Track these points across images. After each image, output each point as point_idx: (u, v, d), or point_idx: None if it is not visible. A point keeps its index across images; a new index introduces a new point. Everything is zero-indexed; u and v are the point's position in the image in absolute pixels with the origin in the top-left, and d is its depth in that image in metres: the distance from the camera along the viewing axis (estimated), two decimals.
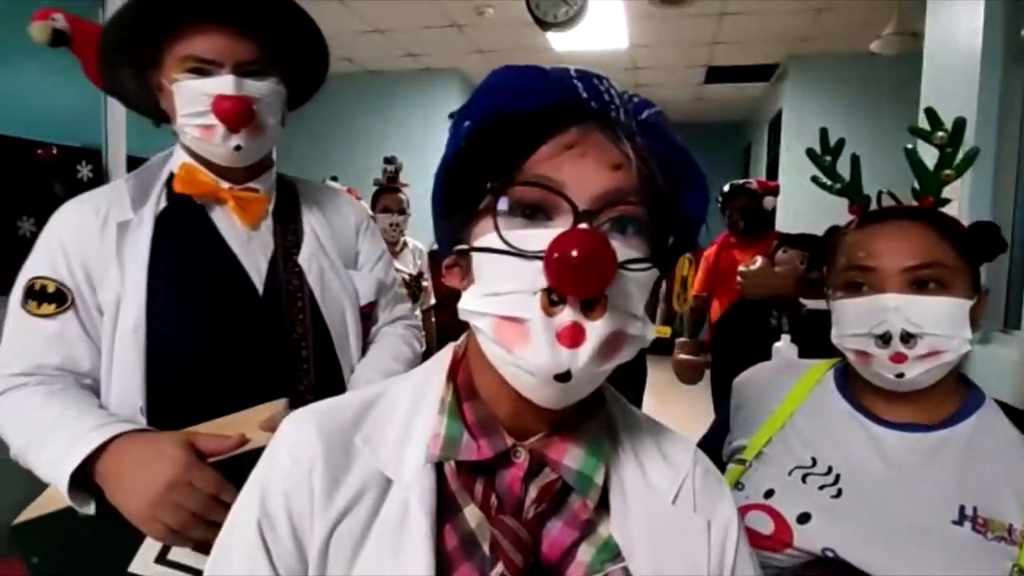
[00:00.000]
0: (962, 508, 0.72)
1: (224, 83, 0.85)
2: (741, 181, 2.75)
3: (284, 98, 0.93)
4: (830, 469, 0.78)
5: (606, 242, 0.43)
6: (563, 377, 0.44)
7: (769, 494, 0.78)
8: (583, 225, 0.44)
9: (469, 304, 0.48)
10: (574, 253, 0.42)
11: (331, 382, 0.95)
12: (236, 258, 0.91)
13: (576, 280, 0.42)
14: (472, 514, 0.50)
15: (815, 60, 4.71)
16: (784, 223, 3.39)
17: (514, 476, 0.50)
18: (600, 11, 3.64)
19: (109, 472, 0.73)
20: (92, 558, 0.76)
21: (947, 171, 0.86)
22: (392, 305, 1.10)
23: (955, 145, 0.87)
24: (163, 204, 0.91)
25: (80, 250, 0.85)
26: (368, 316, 1.04)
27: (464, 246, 0.50)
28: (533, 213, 0.47)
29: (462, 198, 0.50)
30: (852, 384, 0.85)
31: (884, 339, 0.75)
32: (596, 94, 0.48)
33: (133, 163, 2.06)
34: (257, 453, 0.74)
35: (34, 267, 0.86)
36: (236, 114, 0.85)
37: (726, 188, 2.72)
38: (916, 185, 0.88)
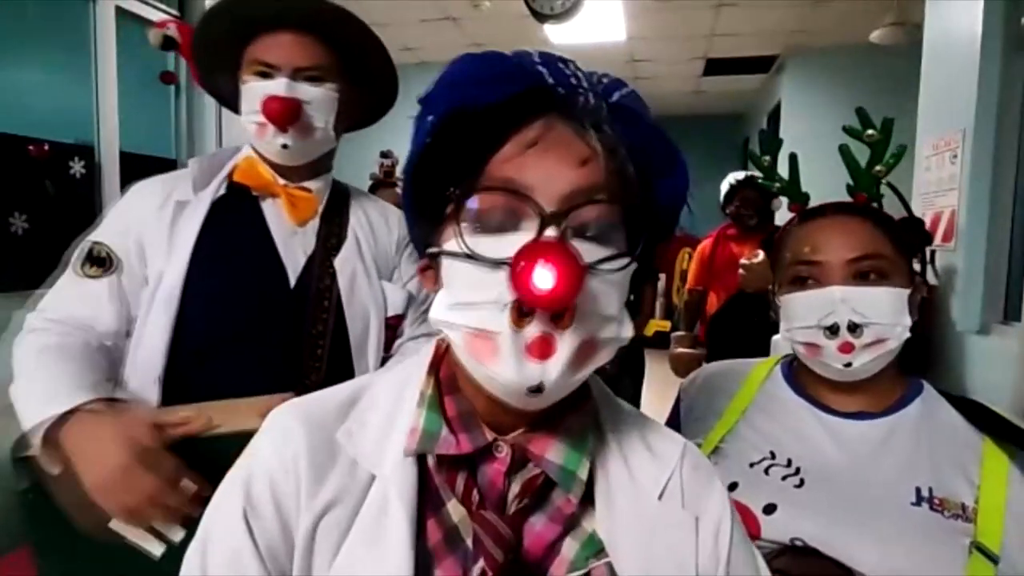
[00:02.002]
0: (918, 489, 0.75)
1: (278, 85, 0.92)
2: (752, 174, 2.49)
3: (337, 104, 0.98)
4: (790, 461, 0.81)
5: (570, 253, 0.42)
6: (535, 390, 0.44)
7: (733, 487, 0.79)
8: (549, 231, 0.43)
9: (438, 314, 0.47)
10: (538, 265, 0.40)
11: (341, 382, 0.96)
12: (276, 250, 0.97)
13: (541, 293, 0.41)
14: (455, 508, 0.49)
15: (814, 51, 4.68)
16: (782, 215, 3.37)
17: (496, 471, 0.49)
18: (597, 3, 3.61)
19: (70, 439, 0.74)
20: (77, 501, 0.76)
21: (878, 167, 0.92)
22: (420, 321, 1.11)
23: (885, 142, 0.93)
24: (222, 191, 0.98)
25: (140, 223, 0.93)
26: (395, 328, 1.07)
27: (434, 249, 0.49)
28: (500, 218, 0.45)
29: (429, 199, 0.48)
30: (800, 377, 0.88)
31: (832, 330, 0.78)
32: (562, 79, 0.46)
33: (125, 159, 2.05)
34: (225, 438, 0.73)
35: (98, 232, 0.94)
36: (281, 114, 0.92)
37: (735, 179, 2.54)
38: (850, 182, 0.93)
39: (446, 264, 0.47)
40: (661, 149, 0.49)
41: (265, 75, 0.93)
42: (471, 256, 0.44)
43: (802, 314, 0.81)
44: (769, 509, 0.76)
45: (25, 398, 0.79)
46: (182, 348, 0.91)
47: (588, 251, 0.44)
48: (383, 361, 1.04)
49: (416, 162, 0.48)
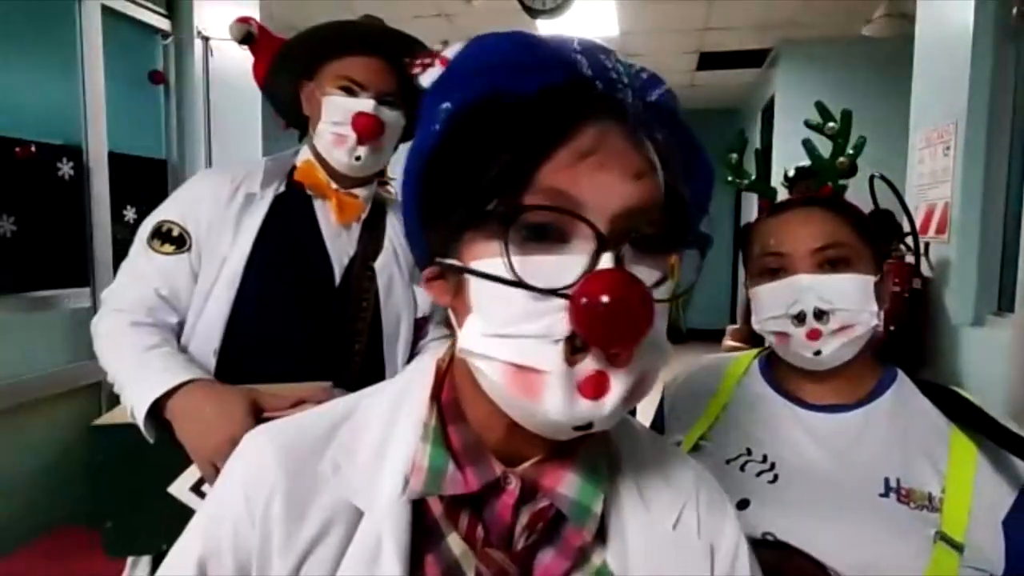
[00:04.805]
0: (887, 480, 0.76)
1: (366, 104, 1.03)
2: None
3: (402, 130, 1.10)
4: (765, 457, 0.82)
5: (643, 287, 0.37)
6: (584, 428, 0.40)
7: None
8: (607, 258, 0.38)
9: (471, 344, 0.41)
10: (605, 300, 0.36)
11: (373, 377, 1.01)
12: (326, 248, 1.08)
13: (610, 333, 0.37)
14: (456, 543, 0.45)
15: (807, 45, 4.67)
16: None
17: (504, 504, 0.46)
18: None
19: (178, 412, 0.86)
20: (145, 469, 0.89)
21: (841, 159, 0.96)
22: (443, 323, 1.18)
23: (845, 134, 0.94)
24: (282, 188, 1.09)
25: (210, 209, 1.03)
26: (420, 327, 1.19)
27: (456, 262, 0.42)
28: (544, 233, 0.39)
29: (446, 201, 0.42)
30: (776, 371, 0.90)
31: (799, 318, 0.80)
32: (601, 71, 0.42)
33: (114, 160, 2.03)
34: None
35: (166, 212, 1.04)
36: (369, 130, 1.02)
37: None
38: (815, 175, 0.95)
39: (478, 285, 0.41)
40: (691, 152, 0.46)
41: (349, 92, 1.03)
42: (521, 283, 0.38)
43: (771, 304, 0.82)
44: (742, 505, 0.77)
45: (129, 386, 0.89)
46: (236, 330, 1.00)
47: (644, 276, 0.39)
48: (410, 358, 1.15)
49: (429, 158, 0.42)
